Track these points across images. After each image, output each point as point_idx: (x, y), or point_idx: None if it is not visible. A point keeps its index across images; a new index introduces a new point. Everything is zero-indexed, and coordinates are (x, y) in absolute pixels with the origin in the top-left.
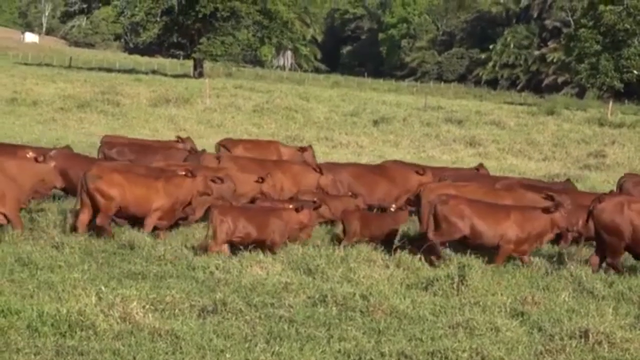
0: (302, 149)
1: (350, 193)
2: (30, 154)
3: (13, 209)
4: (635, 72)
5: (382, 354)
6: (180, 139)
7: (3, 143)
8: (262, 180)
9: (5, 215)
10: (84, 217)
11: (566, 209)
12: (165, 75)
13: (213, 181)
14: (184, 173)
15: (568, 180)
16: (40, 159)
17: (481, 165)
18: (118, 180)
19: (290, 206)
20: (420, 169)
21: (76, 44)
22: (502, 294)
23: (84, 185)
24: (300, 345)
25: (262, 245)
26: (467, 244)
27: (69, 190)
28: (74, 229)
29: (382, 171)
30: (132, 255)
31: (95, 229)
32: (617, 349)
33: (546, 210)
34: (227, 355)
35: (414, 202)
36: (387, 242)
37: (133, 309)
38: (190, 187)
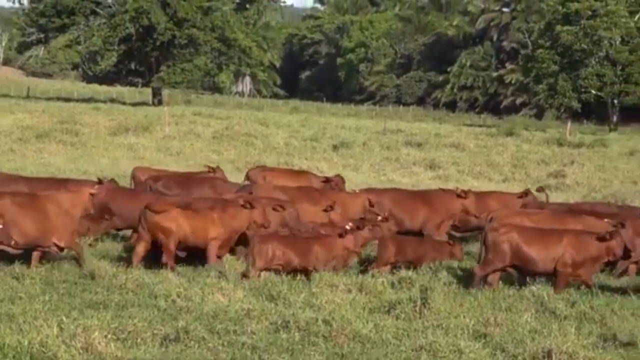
0: (329, 180)
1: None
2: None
3: (71, 240)
4: (593, 92)
5: None
6: (210, 169)
7: (49, 178)
8: (330, 208)
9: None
10: (140, 250)
11: (623, 236)
12: (124, 103)
13: (275, 209)
14: (242, 204)
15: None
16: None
17: (528, 190)
18: (177, 214)
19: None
20: (462, 192)
21: (34, 74)
22: (464, 316)
23: (144, 219)
24: None
25: (306, 272)
26: (522, 272)
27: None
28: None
29: (424, 196)
30: (93, 284)
31: (54, 259)
32: None
33: (602, 239)
34: None
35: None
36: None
37: (95, 339)
38: (247, 217)
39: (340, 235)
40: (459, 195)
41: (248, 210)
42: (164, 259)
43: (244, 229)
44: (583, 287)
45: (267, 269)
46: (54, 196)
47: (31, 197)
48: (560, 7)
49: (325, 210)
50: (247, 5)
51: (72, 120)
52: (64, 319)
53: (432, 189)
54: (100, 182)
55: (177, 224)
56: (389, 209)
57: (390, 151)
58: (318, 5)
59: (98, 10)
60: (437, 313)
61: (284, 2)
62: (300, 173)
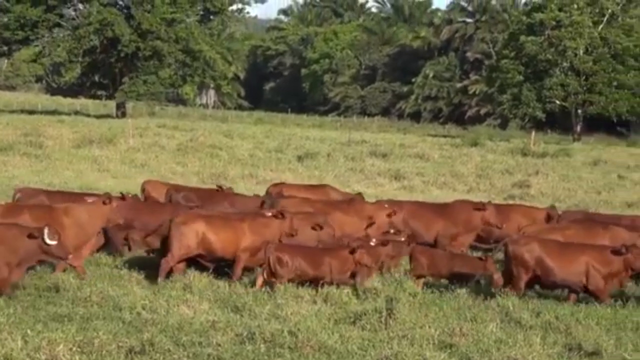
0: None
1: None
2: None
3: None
4: (557, 101)
5: None
6: (220, 188)
7: (66, 191)
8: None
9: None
10: (180, 265)
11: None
12: (88, 115)
13: (314, 229)
14: (271, 214)
15: None
16: (107, 201)
17: (553, 207)
18: (203, 225)
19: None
20: (480, 205)
21: None
22: (430, 327)
23: (170, 230)
24: None
25: (319, 282)
26: (545, 286)
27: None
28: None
29: (442, 209)
30: (58, 297)
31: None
32: None
33: (618, 252)
34: None
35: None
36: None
37: (59, 352)
38: (278, 228)
39: (352, 252)
40: (477, 209)
41: (279, 220)
42: (168, 259)
43: (276, 238)
44: (549, 297)
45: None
46: (71, 209)
47: (52, 210)
48: (524, 18)
49: (368, 226)
50: (212, 17)
51: (36, 132)
52: (29, 332)
53: (450, 202)
54: (123, 197)
55: (203, 236)
56: (404, 221)
57: (355, 162)
58: (282, 17)
59: (62, 22)
60: (402, 323)
61: (248, 13)
62: (318, 187)
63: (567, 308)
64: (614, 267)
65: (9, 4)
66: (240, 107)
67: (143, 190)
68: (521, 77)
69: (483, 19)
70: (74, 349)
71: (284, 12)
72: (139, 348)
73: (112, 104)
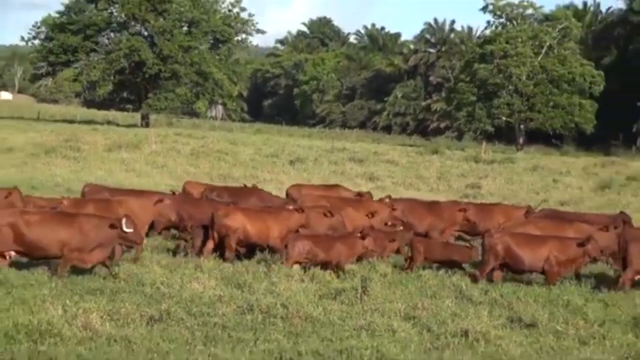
0: (360, 194)
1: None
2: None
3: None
4: (503, 118)
5: (299, 353)
6: (245, 186)
7: (133, 189)
8: (372, 215)
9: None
10: (210, 246)
11: (597, 241)
12: (118, 125)
13: (325, 215)
14: (293, 208)
15: (622, 212)
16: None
17: (529, 207)
18: (241, 217)
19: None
20: (464, 206)
21: (43, 100)
22: (397, 302)
23: (214, 222)
24: (232, 347)
25: (330, 265)
26: (514, 271)
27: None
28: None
29: (432, 206)
30: (92, 274)
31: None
32: (491, 345)
33: (580, 244)
34: (172, 357)
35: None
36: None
37: (92, 319)
38: (299, 219)
39: (362, 237)
40: (460, 210)
41: (299, 214)
42: (227, 254)
43: (296, 228)
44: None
45: (298, 262)
46: (125, 202)
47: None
48: (477, 49)
49: (368, 216)
50: (220, 45)
51: (74, 138)
52: (67, 302)
53: (440, 200)
54: (173, 193)
55: (241, 225)
56: (402, 215)
57: (337, 166)
58: (279, 45)
59: (97, 48)
60: (374, 299)
61: (251, 42)
62: (332, 187)
63: (510, 287)
64: (570, 255)
65: (54, 34)
66: (243, 120)
67: (184, 189)
68: (474, 98)
69: (443, 49)
70: (105, 317)
71: (280, 41)
72: (158, 316)
73: (137, 115)
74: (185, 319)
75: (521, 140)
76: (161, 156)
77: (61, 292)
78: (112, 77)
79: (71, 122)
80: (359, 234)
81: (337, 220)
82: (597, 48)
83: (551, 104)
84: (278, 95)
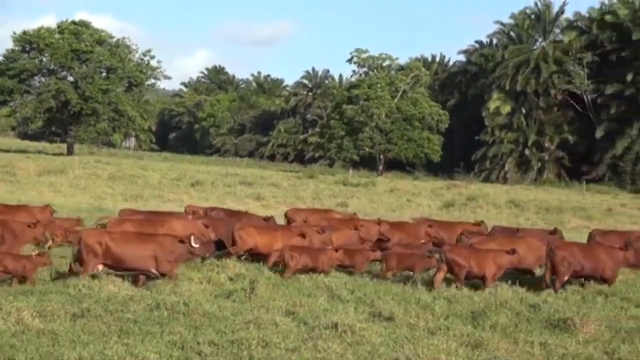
0: (355, 214)
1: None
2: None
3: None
4: (367, 149)
5: (199, 343)
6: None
7: (154, 211)
8: (355, 228)
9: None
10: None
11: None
12: (47, 154)
13: (318, 232)
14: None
15: (555, 229)
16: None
17: (482, 222)
18: (253, 231)
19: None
20: (430, 223)
21: None
22: (279, 300)
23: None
24: (142, 339)
25: (315, 271)
26: (469, 278)
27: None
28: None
29: (403, 226)
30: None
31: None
32: (356, 335)
33: (511, 252)
34: (91, 347)
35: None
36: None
37: (24, 316)
38: (297, 235)
39: (336, 250)
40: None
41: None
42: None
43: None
44: (359, 278)
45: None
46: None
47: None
48: (345, 92)
49: (355, 229)
50: (134, 88)
51: (10, 165)
52: (3, 301)
53: (406, 220)
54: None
55: (253, 238)
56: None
57: (230, 188)
58: (183, 88)
59: (30, 90)
60: (261, 297)
61: (159, 85)
62: (325, 210)
63: (372, 287)
64: (506, 264)
65: None
66: (152, 150)
67: (186, 211)
68: (343, 132)
69: (318, 92)
70: (34, 314)
71: (184, 84)
72: (80, 313)
73: (64, 146)
74: (102, 315)
75: (381, 167)
76: (83, 179)
77: None
78: (42, 114)
79: (7, 151)
80: (333, 248)
81: (327, 236)
82: (443, 92)
83: (405, 138)
84: (181, 130)
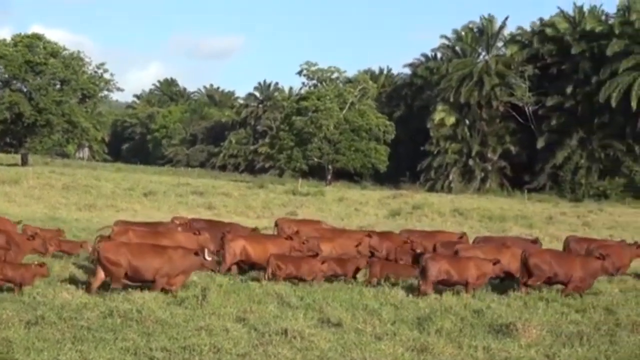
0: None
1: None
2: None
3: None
4: (315, 159)
5: (151, 349)
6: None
7: (148, 221)
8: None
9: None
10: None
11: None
12: (2, 164)
13: (303, 243)
14: (285, 237)
15: (536, 238)
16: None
17: (464, 233)
18: (242, 241)
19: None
20: (410, 234)
21: None
22: (230, 307)
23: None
24: (95, 345)
25: (303, 280)
26: (447, 285)
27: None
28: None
29: (389, 236)
30: None
31: None
32: (305, 341)
33: (495, 261)
34: (45, 354)
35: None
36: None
37: None
38: (290, 245)
39: (322, 262)
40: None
41: (289, 240)
42: (223, 266)
43: (287, 252)
44: (308, 285)
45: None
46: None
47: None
48: (295, 104)
49: (357, 245)
50: (87, 100)
51: None
52: None
53: (392, 231)
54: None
55: (242, 247)
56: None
57: (182, 197)
58: (135, 100)
59: None
60: (212, 305)
61: (111, 97)
62: (314, 221)
63: (321, 294)
64: (489, 271)
65: None
66: (105, 160)
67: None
68: (292, 143)
69: (268, 104)
70: None
71: (136, 96)
72: (34, 321)
73: (18, 157)
74: (56, 322)
75: (329, 177)
76: (37, 189)
77: None
78: None
79: None
80: (319, 259)
81: (313, 244)
82: (389, 104)
83: (353, 148)
84: (134, 140)
